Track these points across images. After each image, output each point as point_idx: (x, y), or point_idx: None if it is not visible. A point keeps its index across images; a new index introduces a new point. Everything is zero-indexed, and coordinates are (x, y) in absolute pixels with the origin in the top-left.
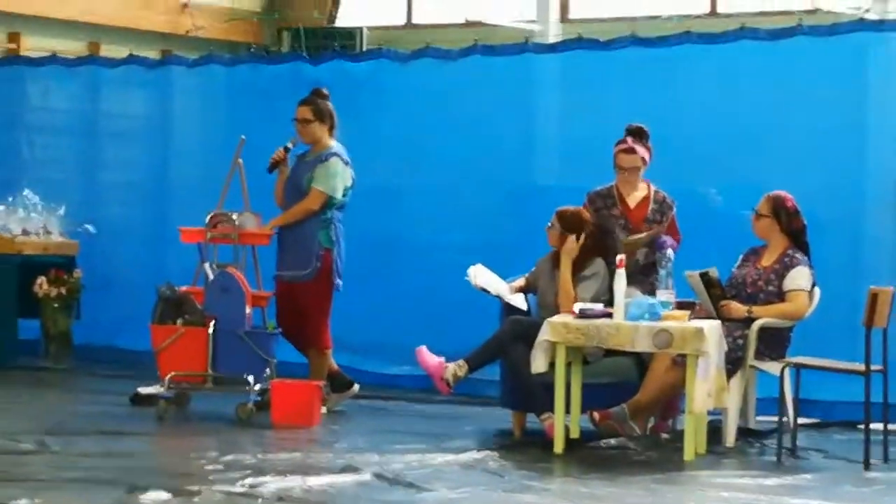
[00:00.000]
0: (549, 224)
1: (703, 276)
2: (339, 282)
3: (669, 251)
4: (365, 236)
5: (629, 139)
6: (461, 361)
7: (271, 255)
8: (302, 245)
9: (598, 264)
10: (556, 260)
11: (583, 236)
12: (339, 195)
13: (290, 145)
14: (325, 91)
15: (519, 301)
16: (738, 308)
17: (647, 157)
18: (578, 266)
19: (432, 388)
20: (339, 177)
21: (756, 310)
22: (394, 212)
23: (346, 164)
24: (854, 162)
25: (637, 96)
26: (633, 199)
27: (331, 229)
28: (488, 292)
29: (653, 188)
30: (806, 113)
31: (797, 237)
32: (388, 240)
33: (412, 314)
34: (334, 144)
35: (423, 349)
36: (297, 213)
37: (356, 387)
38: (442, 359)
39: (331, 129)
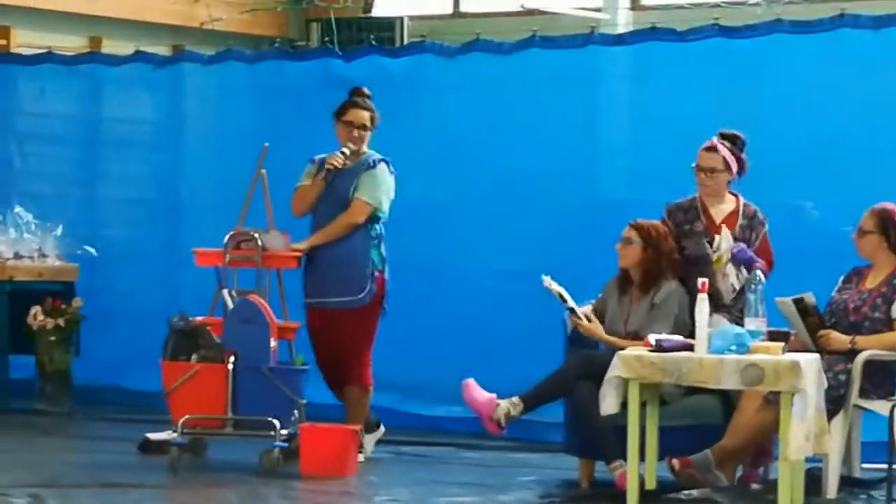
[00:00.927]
0: (622, 240)
1: (798, 302)
2: (385, 306)
3: (759, 272)
4: (405, 258)
5: (715, 138)
6: (516, 399)
7: (298, 280)
8: (353, 266)
9: (672, 288)
10: (624, 283)
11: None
12: (385, 208)
13: (347, 152)
14: (367, 91)
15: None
16: (839, 338)
17: (732, 162)
18: (646, 290)
19: (483, 431)
20: (386, 186)
21: (860, 340)
22: (438, 231)
23: (392, 173)
24: None
25: (720, 95)
26: (718, 213)
27: (382, 247)
28: (565, 301)
29: (742, 201)
30: None
31: None
32: (431, 263)
33: (460, 348)
34: (371, 151)
35: (472, 382)
36: (340, 228)
37: (382, 428)
38: (493, 395)
39: None
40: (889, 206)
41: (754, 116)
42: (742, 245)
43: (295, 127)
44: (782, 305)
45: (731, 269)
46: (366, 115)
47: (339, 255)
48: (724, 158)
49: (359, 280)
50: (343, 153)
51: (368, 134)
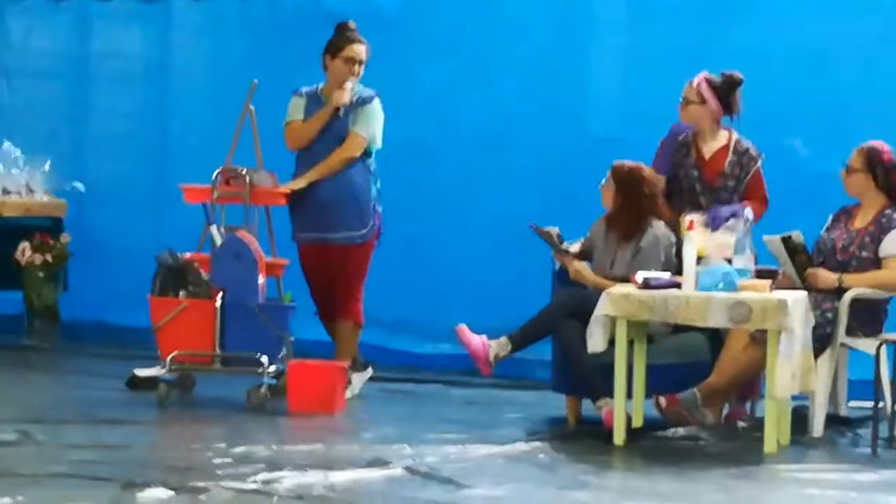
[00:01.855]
0: (604, 181)
1: (786, 240)
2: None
3: (748, 210)
4: (395, 197)
5: (700, 74)
6: (504, 339)
7: (285, 217)
8: (356, 201)
9: (658, 232)
10: (611, 222)
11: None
12: (379, 143)
13: (350, 86)
14: (353, 25)
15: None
16: (826, 276)
17: (709, 96)
18: (629, 236)
19: (473, 369)
20: (380, 121)
21: (847, 278)
22: (428, 170)
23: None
24: None
25: (714, 31)
26: (708, 149)
27: (378, 182)
28: (555, 242)
29: (735, 137)
30: None
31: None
32: (421, 202)
33: (448, 286)
34: (361, 86)
35: (465, 327)
36: (338, 163)
37: (370, 370)
38: (484, 337)
39: None
40: (876, 144)
41: (748, 54)
42: (716, 212)
43: (285, 63)
44: (770, 244)
45: (722, 234)
46: (364, 48)
47: (341, 191)
48: (699, 92)
49: (362, 215)
50: (350, 89)
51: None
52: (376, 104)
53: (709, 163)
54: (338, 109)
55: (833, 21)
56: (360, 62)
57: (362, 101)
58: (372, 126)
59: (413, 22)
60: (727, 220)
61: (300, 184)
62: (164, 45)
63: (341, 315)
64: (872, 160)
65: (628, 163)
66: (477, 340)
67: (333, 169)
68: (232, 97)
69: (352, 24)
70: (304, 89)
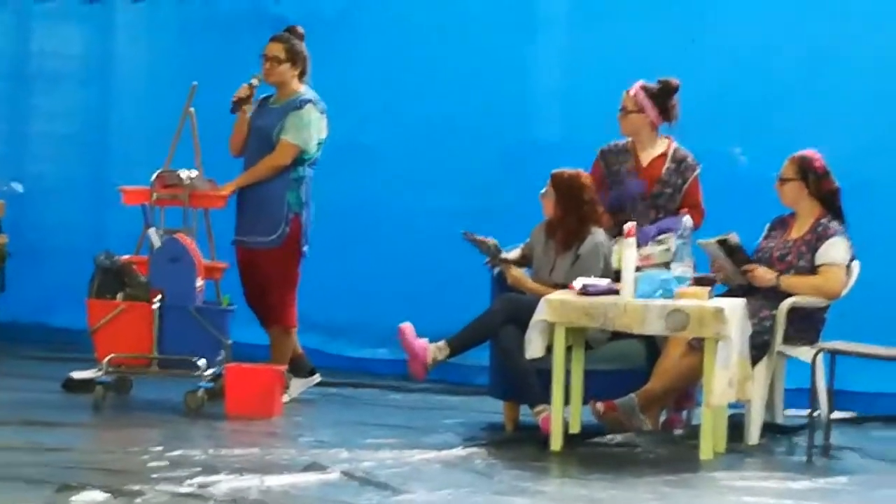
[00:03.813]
0: (544, 190)
1: (722, 242)
2: (305, 248)
3: (686, 217)
4: (337, 199)
5: (638, 83)
6: (442, 343)
7: (226, 220)
8: (268, 207)
9: (596, 240)
10: (551, 229)
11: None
12: (312, 149)
13: (254, 82)
14: (300, 30)
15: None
16: (764, 275)
17: (647, 105)
18: (569, 244)
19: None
20: (313, 128)
21: (784, 279)
22: (370, 171)
23: (322, 113)
24: None
25: (654, 37)
26: (647, 156)
27: (301, 189)
28: (492, 250)
29: (673, 145)
30: (854, 56)
31: (830, 202)
32: (362, 203)
33: (389, 289)
34: (305, 90)
35: (409, 327)
36: (264, 170)
37: (317, 376)
38: (425, 340)
39: (301, 74)
40: (808, 152)
41: (688, 62)
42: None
43: (225, 66)
44: (706, 247)
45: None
46: (277, 46)
47: (255, 197)
48: (637, 100)
49: (272, 222)
50: (251, 84)
51: (283, 68)
52: (308, 110)
53: (646, 170)
54: (235, 104)
55: (774, 28)
56: (272, 58)
57: (294, 107)
58: (303, 133)
59: (354, 24)
60: (655, 237)
61: (227, 189)
62: (104, 45)
63: (271, 320)
64: (804, 168)
65: (568, 170)
66: (420, 343)
67: (260, 175)
68: (172, 99)
69: (297, 29)
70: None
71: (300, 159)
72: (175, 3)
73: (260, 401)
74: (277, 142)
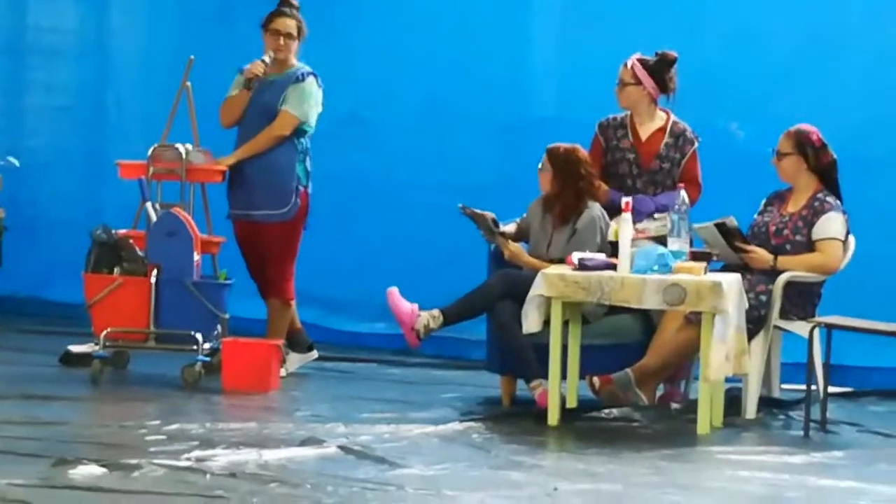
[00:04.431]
0: (540, 165)
1: (720, 226)
2: (308, 223)
3: (683, 192)
4: (333, 174)
5: (635, 56)
6: (436, 312)
7: (222, 195)
8: (279, 179)
9: (593, 214)
10: (548, 204)
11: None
12: (312, 121)
13: (267, 59)
14: (295, 1)
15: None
16: (762, 256)
17: (644, 78)
18: (566, 218)
19: (406, 348)
20: (313, 100)
21: (782, 260)
22: (367, 146)
23: (320, 87)
24: None
25: (650, 12)
26: (645, 130)
27: (307, 162)
28: (488, 224)
29: (672, 119)
30: (852, 33)
31: (827, 175)
32: (359, 178)
33: (386, 264)
34: (301, 64)
35: (395, 291)
36: (265, 141)
37: (315, 353)
38: (415, 305)
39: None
40: (804, 126)
41: (684, 35)
42: (641, 198)
43: (222, 39)
44: (703, 231)
45: (647, 223)
46: (291, 23)
47: (264, 169)
48: (634, 73)
49: (284, 195)
50: (264, 61)
51: (295, 44)
52: (310, 83)
53: (644, 144)
54: (250, 80)
55: (772, 4)
56: (286, 34)
57: (296, 79)
58: (304, 105)
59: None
60: (651, 215)
61: (229, 161)
62: (101, 19)
63: (270, 293)
64: (802, 142)
65: (564, 145)
66: (406, 306)
67: (262, 146)
68: (169, 73)
69: (292, 1)
70: (247, 66)
71: (301, 131)
72: None
73: (257, 375)
74: (278, 113)
